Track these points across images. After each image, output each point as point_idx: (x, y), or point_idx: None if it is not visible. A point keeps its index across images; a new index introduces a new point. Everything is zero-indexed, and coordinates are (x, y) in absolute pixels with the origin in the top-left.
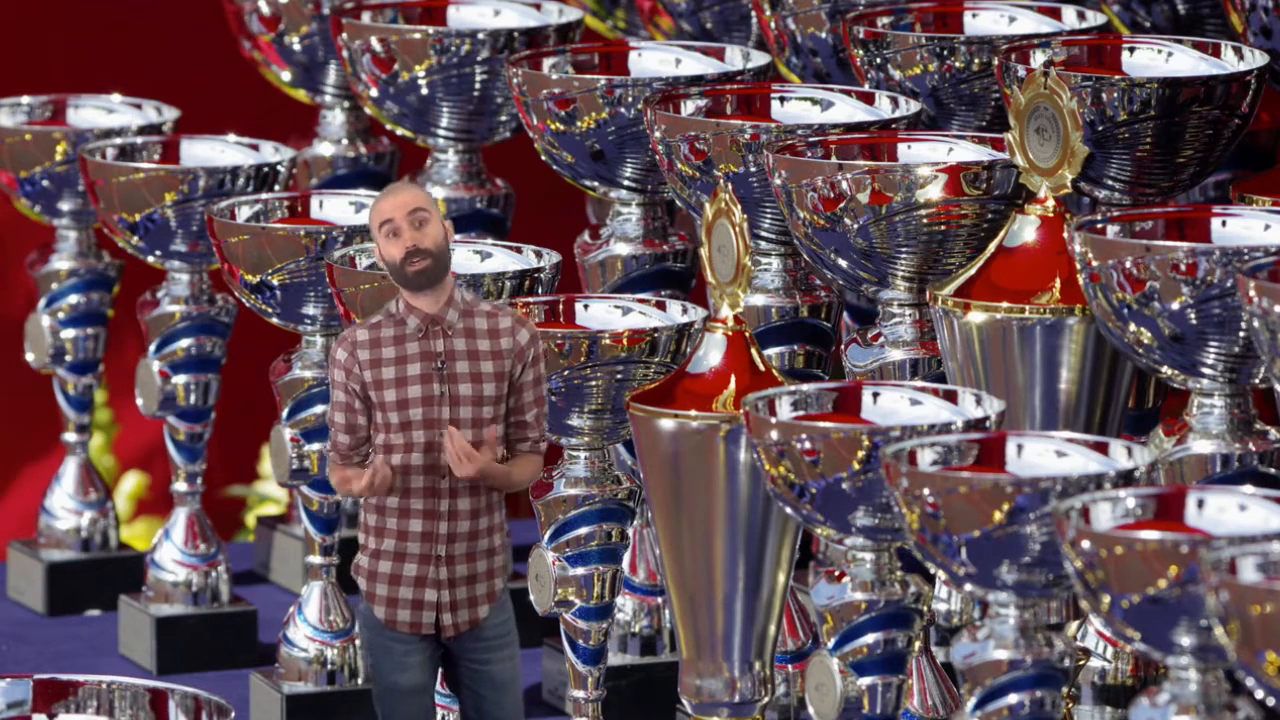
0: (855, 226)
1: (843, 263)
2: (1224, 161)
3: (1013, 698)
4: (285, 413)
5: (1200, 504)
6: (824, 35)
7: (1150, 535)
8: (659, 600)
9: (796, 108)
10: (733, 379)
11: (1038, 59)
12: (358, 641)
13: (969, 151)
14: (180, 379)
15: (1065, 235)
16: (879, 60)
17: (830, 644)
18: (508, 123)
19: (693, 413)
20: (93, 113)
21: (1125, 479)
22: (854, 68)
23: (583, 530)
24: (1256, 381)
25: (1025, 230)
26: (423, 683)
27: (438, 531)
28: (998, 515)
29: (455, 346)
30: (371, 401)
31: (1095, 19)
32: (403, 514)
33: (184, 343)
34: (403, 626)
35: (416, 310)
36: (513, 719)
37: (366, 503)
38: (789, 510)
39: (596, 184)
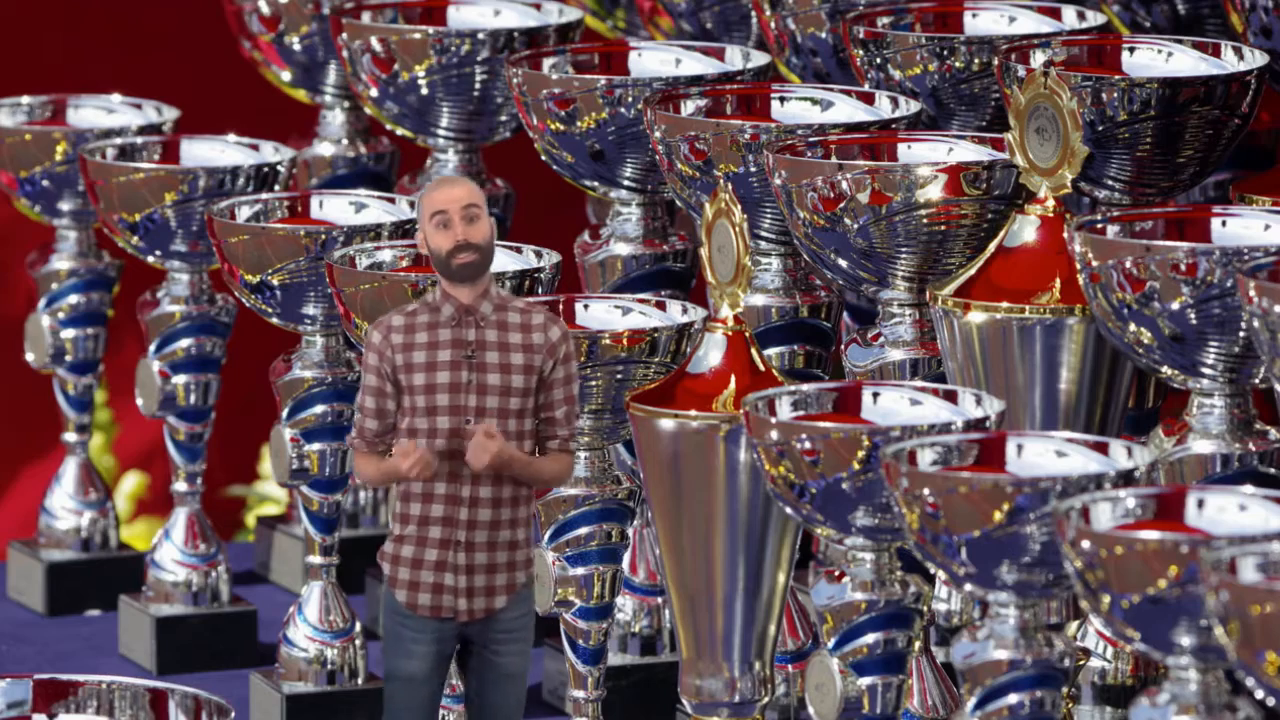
0: (855, 226)
1: (843, 263)
2: (1224, 161)
3: (1013, 698)
4: (285, 413)
5: (1200, 504)
6: (824, 35)
7: (1150, 535)
8: (659, 600)
9: (796, 108)
10: (733, 379)
11: (1038, 59)
12: (356, 641)
13: (969, 151)
14: (180, 379)
15: (1065, 235)
16: (879, 60)
17: (830, 644)
18: (508, 123)
19: (693, 413)
20: (93, 113)
21: (1125, 479)
22: (854, 68)
23: (583, 530)
24: (1256, 381)
25: (1025, 230)
26: (424, 673)
27: (458, 517)
28: (998, 515)
29: (486, 337)
30: (401, 386)
31: (1095, 19)
32: (425, 499)
33: (184, 343)
34: (423, 610)
35: (452, 299)
36: (513, 709)
37: (398, 490)
38: (789, 510)
39: (596, 184)
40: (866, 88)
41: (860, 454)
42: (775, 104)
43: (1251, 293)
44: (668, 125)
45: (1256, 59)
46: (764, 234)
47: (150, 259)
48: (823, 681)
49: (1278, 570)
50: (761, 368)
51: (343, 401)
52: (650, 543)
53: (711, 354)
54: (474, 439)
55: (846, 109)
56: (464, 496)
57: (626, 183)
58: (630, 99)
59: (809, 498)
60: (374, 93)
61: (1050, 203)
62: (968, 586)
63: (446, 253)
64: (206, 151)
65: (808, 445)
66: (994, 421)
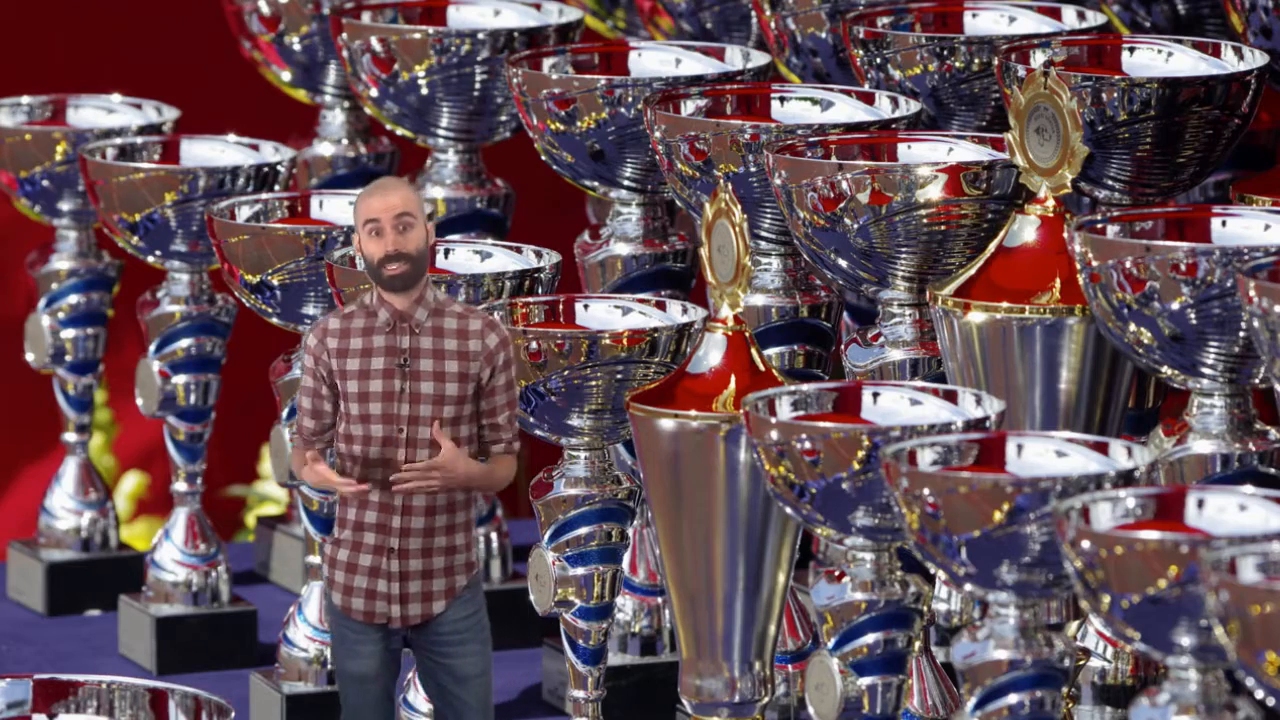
0: (855, 226)
1: (843, 263)
2: (1224, 161)
3: (1013, 698)
4: (285, 413)
5: (1200, 504)
6: (824, 35)
7: (1150, 535)
8: (659, 600)
9: (796, 108)
10: (733, 379)
11: (1038, 59)
12: None
13: (969, 151)
14: (180, 379)
15: (1065, 235)
16: (879, 60)
17: (830, 644)
18: (508, 123)
19: (693, 413)
20: (93, 113)
21: (1125, 479)
22: (854, 68)
23: (583, 530)
24: (1256, 381)
25: (1025, 230)
26: (373, 672)
27: (391, 525)
28: (998, 515)
29: (421, 344)
30: (338, 389)
31: (1095, 19)
32: (360, 505)
33: (184, 343)
34: (357, 615)
35: (388, 305)
36: (478, 708)
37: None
38: (789, 510)
39: (596, 184)
40: (866, 88)
41: (860, 454)
42: (775, 104)
43: (1251, 293)
44: (668, 125)
45: (1256, 59)
46: (764, 234)
47: (150, 259)
48: (823, 681)
49: (1278, 570)
50: (761, 368)
51: None
52: (650, 543)
53: (711, 354)
54: (415, 473)
55: (846, 109)
56: (397, 505)
57: (626, 183)
58: (630, 99)
59: (809, 498)
60: (374, 93)
61: (1050, 203)
62: (968, 586)
63: (377, 261)
64: (206, 151)
65: (808, 445)
66: (994, 421)
